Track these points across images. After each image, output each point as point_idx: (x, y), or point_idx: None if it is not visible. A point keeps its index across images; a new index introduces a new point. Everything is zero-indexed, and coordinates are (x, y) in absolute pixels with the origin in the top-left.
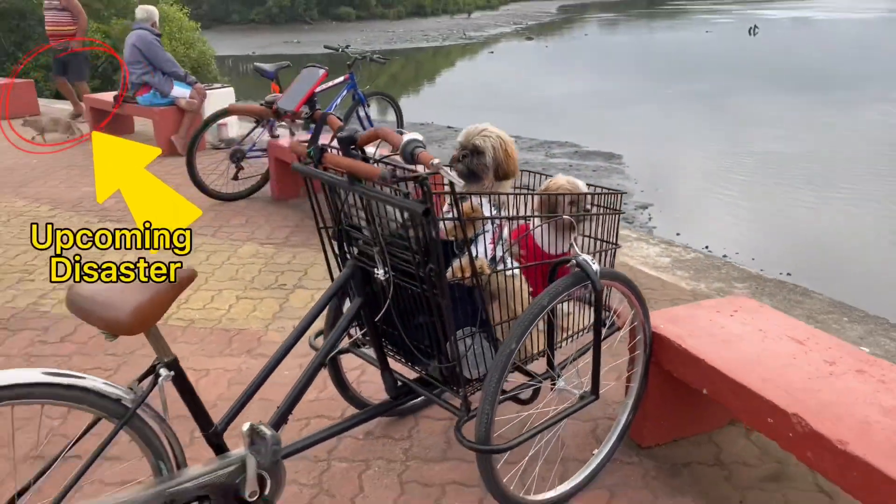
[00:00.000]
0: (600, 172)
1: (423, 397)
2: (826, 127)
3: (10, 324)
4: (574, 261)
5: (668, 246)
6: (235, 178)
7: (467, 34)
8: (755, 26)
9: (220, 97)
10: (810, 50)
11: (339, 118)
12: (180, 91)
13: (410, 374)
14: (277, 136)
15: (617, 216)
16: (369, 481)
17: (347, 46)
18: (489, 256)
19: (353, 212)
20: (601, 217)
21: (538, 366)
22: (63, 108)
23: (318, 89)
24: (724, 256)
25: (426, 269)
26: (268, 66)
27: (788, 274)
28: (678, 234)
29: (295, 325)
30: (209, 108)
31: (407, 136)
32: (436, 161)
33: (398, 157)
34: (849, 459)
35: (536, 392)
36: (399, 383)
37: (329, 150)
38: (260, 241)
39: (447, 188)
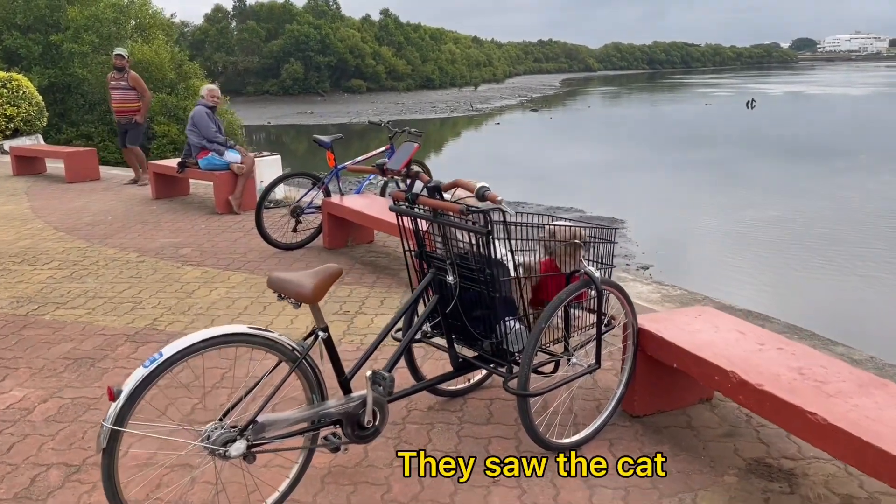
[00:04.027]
0: None
1: (463, 385)
2: (810, 194)
3: (135, 338)
4: (582, 270)
5: (658, 285)
6: (294, 230)
7: (474, 106)
8: (753, 100)
9: (268, 164)
10: (805, 123)
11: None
12: (232, 156)
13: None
14: (330, 196)
15: (612, 245)
16: (435, 435)
17: (388, 121)
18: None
19: (432, 237)
20: (600, 244)
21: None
22: (119, 174)
23: (414, 156)
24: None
25: (484, 273)
26: (325, 138)
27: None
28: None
29: (363, 340)
30: (259, 173)
31: (479, 184)
32: (500, 198)
33: (467, 200)
34: (763, 395)
35: (556, 365)
36: (460, 359)
37: (421, 196)
38: None
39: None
